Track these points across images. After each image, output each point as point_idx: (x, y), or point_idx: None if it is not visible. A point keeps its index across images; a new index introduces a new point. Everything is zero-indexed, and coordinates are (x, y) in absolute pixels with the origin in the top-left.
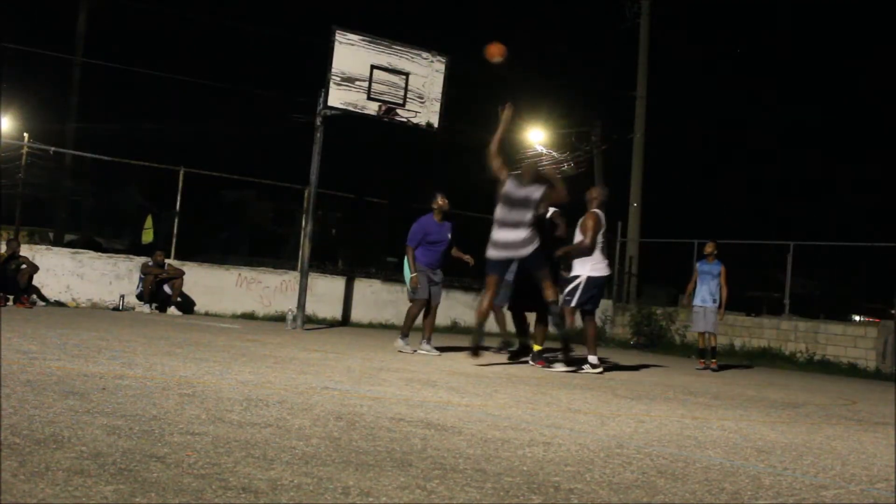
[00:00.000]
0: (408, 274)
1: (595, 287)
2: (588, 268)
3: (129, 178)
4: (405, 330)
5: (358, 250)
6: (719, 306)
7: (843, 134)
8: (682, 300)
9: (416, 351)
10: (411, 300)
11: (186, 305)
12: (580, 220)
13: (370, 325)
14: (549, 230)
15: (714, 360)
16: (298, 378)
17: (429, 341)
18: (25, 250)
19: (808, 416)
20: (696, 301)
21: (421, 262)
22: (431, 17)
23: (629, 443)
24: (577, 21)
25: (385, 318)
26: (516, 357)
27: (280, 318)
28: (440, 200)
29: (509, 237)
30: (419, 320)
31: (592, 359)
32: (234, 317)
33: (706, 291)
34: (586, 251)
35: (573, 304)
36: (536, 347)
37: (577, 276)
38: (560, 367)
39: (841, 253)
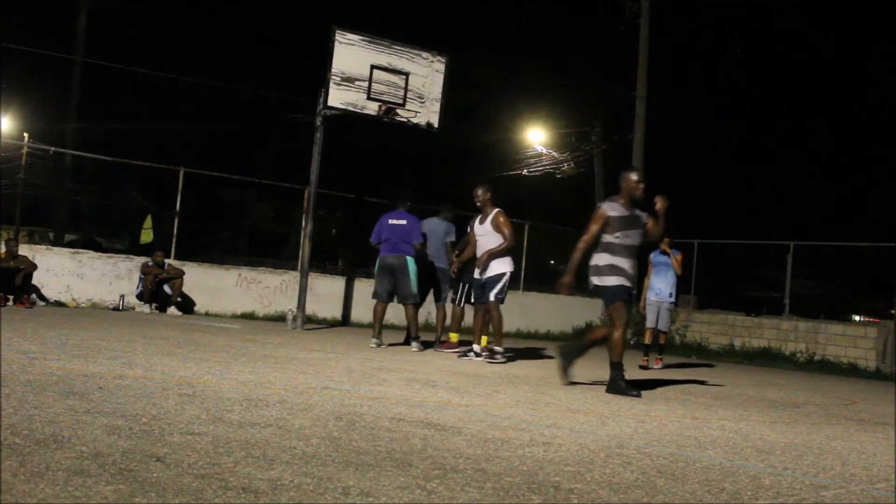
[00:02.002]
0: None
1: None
2: (508, 264)
3: (129, 178)
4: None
5: (358, 250)
6: (675, 301)
7: (843, 133)
8: (642, 302)
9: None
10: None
11: (186, 305)
12: (492, 220)
13: (370, 325)
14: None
15: (660, 358)
16: (298, 378)
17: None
18: (25, 250)
19: (808, 416)
20: (651, 295)
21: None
22: (430, 16)
23: (629, 443)
24: (577, 21)
25: (385, 319)
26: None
27: (280, 318)
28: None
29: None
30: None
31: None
32: (234, 317)
33: (663, 284)
34: (510, 250)
35: (504, 299)
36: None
37: (503, 273)
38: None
39: (841, 253)
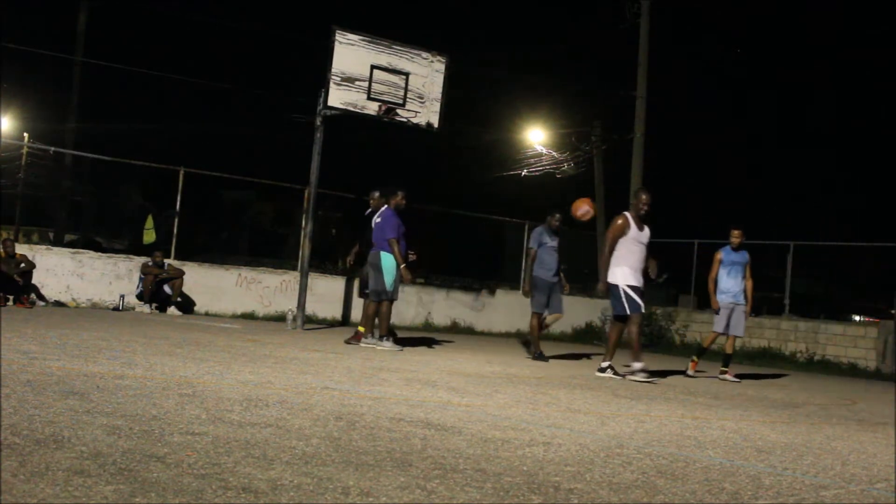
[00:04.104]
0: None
1: None
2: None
3: (129, 178)
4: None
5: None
6: (747, 303)
7: (844, 133)
8: (711, 300)
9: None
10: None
11: (186, 305)
12: (648, 230)
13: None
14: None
15: (727, 369)
16: (298, 378)
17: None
18: (25, 250)
19: (808, 416)
20: (727, 297)
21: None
22: (430, 16)
23: (629, 443)
24: (577, 20)
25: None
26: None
27: (280, 318)
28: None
29: None
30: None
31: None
32: (234, 317)
33: (734, 284)
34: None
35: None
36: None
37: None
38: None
39: (841, 253)
